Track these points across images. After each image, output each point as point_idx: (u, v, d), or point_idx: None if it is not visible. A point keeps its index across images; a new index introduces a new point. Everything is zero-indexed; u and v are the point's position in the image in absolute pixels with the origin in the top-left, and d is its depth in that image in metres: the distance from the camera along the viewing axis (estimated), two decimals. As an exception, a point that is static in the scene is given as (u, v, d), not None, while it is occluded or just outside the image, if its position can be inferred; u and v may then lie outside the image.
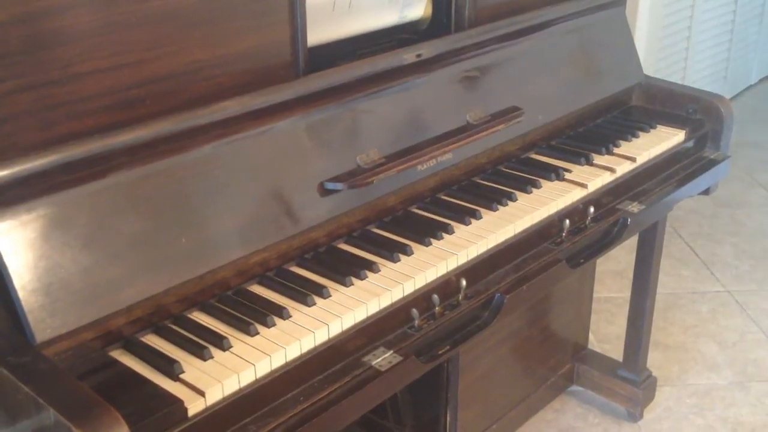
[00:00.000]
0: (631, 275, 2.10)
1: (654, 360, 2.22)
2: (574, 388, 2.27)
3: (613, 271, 2.78)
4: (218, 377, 1.04)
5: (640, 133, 1.75)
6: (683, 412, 2.22)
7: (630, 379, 2.14)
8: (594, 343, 2.38)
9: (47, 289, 1.01)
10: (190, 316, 1.16)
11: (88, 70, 1.07)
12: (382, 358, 1.18)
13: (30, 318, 0.99)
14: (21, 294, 0.99)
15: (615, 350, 2.31)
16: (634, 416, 2.18)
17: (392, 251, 1.30)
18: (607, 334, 2.47)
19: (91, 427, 0.88)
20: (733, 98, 4.26)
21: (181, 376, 1.04)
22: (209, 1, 1.17)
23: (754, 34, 4.33)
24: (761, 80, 4.61)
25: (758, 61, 4.49)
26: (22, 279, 0.99)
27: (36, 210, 1.01)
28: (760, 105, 4.30)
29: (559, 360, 2.20)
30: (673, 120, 1.81)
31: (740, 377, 2.36)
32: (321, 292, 1.20)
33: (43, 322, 1.00)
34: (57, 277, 1.02)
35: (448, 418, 1.88)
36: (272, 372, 1.08)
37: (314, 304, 1.19)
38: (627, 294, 2.17)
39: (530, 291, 1.37)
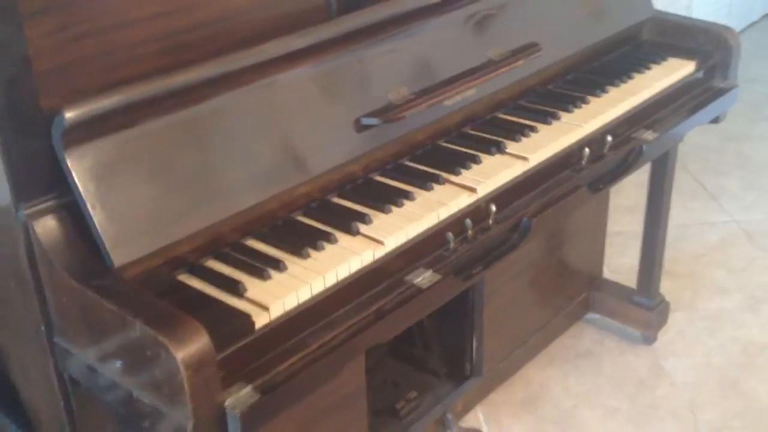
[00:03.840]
0: (640, 210, 2.19)
1: (665, 287, 2.32)
2: (591, 315, 2.38)
3: (624, 206, 2.87)
4: (279, 295, 1.14)
5: (653, 65, 1.83)
6: (695, 334, 2.34)
7: (644, 304, 2.25)
8: (607, 274, 2.48)
9: (120, 218, 1.11)
10: (246, 243, 1.25)
11: (143, 16, 1.15)
12: (422, 277, 1.28)
13: (108, 245, 1.09)
14: (98, 223, 1.09)
15: (627, 280, 2.40)
16: (649, 339, 2.29)
17: (425, 181, 1.40)
18: (619, 266, 2.56)
19: (176, 335, 0.98)
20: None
21: (246, 294, 1.14)
22: (249, -52, 1.25)
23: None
24: (763, 17, 4.65)
25: (760, -3, 4.53)
26: (98, 210, 1.09)
27: (105, 147, 1.10)
28: (763, 41, 4.35)
29: (576, 289, 2.31)
30: (683, 52, 1.88)
31: (749, 300, 2.46)
32: (363, 219, 1.30)
33: (119, 248, 1.10)
34: (128, 208, 1.12)
35: (474, 344, 1.99)
36: (326, 290, 1.18)
37: (358, 230, 1.28)
38: (637, 228, 2.26)
39: (554, 214, 1.47)
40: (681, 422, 2.04)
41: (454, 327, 1.98)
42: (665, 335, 2.32)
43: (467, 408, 2.05)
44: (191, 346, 0.99)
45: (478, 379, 2.02)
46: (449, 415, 1.94)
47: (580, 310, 2.35)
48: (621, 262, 2.57)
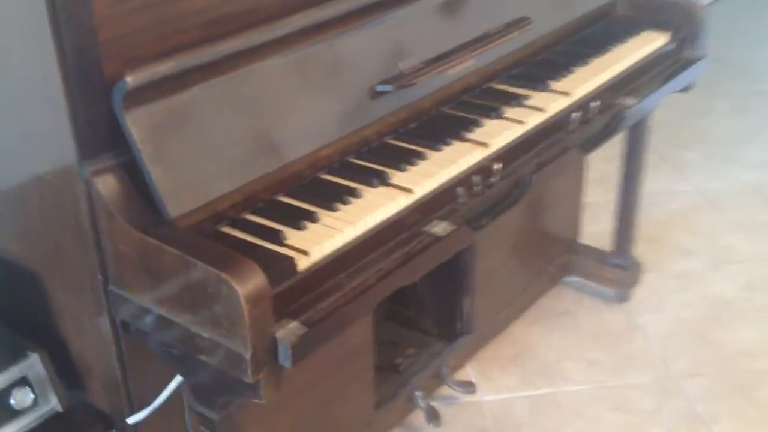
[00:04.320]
0: (609, 181, 2.36)
1: (636, 251, 2.49)
2: (569, 278, 2.55)
3: (594, 178, 3.00)
4: (317, 241, 1.26)
5: (629, 38, 1.98)
6: (665, 292, 2.51)
7: (618, 264, 2.42)
8: (582, 240, 2.64)
9: (173, 174, 1.22)
10: (280, 199, 1.37)
11: (190, -10, 1.26)
12: (439, 227, 1.41)
13: (164, 197, 1.20)
14: (155, 178, 1.19)
15: (600, 245, 2.56)
16: (623, 297, 2.46)
17: (435, 142, 1.53)
18: (591, 233, 2.71)
19: (237, 273, 1.10)
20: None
21: (286, 241, 1.26)
22: (276, -72, 1.36)
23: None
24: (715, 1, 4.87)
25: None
26: (155, 167, 1.20)
27: (159, 110, 1.21)
28: (717, 22, 4.56)
29: (555, 253, 2.47)
30: (656, 25, 2.04)
31: (714, 260, 2.65)
32: (383, 176, 1.43)
33: (174, 201, 1.21)
34: (179, 165, 1.23)
35: (464, 304, 2.13)
36: (357, 238, 1.31)
37: (378, 186, 1.41)
38: (607, 197, 2.43)
39: (551, 172, 1.62)
40: (656, 370, 2.21)
41: (446, 289, 2.12)
42: (638, 295, 2.49)
43: (459, 364, 2.19)
44: (250, 282, 1.11)
45: (469, 336, 2.16)
46: (444, 369, 2.08)
47: (559, 273, 2.51)
48: (593, 229, 2.73)
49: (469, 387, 2.09)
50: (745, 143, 3.33)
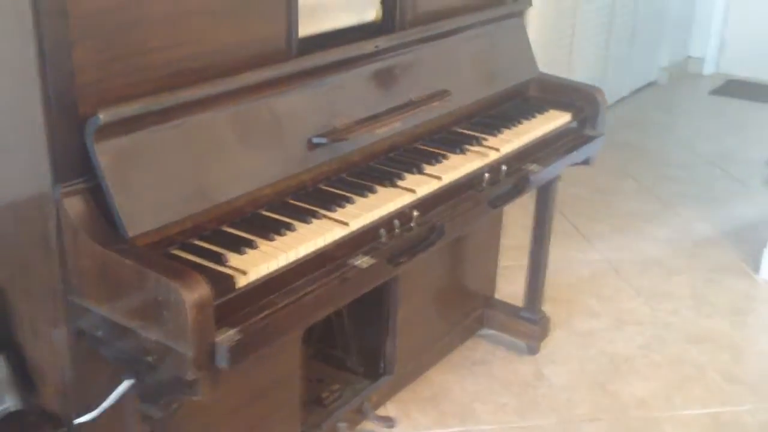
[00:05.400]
0: (525, 248, 2.61)
1: (546, 310, 2.73)
2: (485, 331, 2.77)
3: (511, 245, 3.26)
4: (254, 264, 1.46)
5: (537, 114, 2.26)
6: (571, 347, 2.75)
7: (529, 318, 2.66)
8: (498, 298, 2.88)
9: (133, 199, 1.41)
10: (223, 229, 1.57)
11: (157, 47, 1.48)
12: (362, 260, 1.63)
13: (124, 218, 1.39)
14: (117, 202, 1.39)
15: (515, 303, 2.80)
16: (533, 349, 2.69)
17: (363, 190, 1.75)
18: (508, 293, 2.94)
19: (184, 282, 1.29)
20: (608, 108, 4.90)
21: (228, 263, 1.46)
22: (233, 1, 1.60)
23: (626, 53, 5.00)
24: (632, 92, 5.29)
25: (630, 76, 5.17)
26: (117, 192, 1.39)
27: (125, 143, 1.42)
28: (631, 113, 4.97)
29: (472, 305, 2.70)
30: (561, 106, 2.33)
31: (616, 322, 2.91)
32: (315, 215, 1.64)
33: (132, 222, 1.40)
34: (139, 192, 1.42)
35: (388, 346, 2.34)
36: (289, 264, 1.51)
37: (312, 222, 1.62)
38: (523, 262, 2.67)
39: (462, 221, 1.86)
40: (558, 414, 2.43)
41: (370, 331, 2.33)
42: (546, 348, 2.73)
43: (381, 401, 2.38)
44: (195, 292, 1.30)
45: (391, 377, 2.36)
46: (366, 405, 2.27)
47: (475, 325, 2.73)
48: (510, 290, 2.96)
49: (388, 422, 2.28)
50: (650, 220, 3.65)
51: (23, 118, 1.39)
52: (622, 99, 5.14)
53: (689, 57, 5.91)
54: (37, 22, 1.29)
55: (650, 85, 5.50)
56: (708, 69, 5.87)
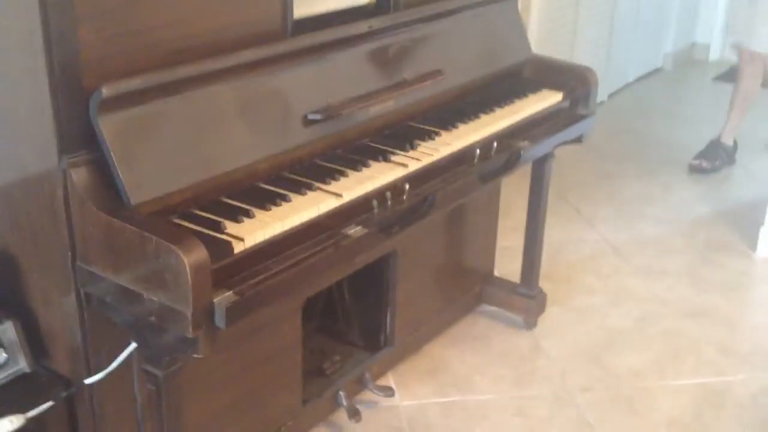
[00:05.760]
0: (523, 229, 2.69)
1: (546, 289, 2.79)
2: (484, 308, 2.85)
3: (511, 226, 3.33)
4: (251, 231, 1.55)
5: (530, 94, 2.33)
6: (568, 322, 2.83)
7: (526, 294, 2.73)
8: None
9: (136, 169, 1.50)
10: (222, 199, 1.66)
11: (156, 25, 1.56)
12: (354, 230, 1.71)
13: (127, 187, 1.48)
14: (120, 172, 1.48)
15: (514, 281, 2.88)
16: (530, 324, 2.76)
17: (356, 164, 1.83)
18: (506, 272, 3.01)
19: (183, 245, 1.38)
20: (612, 94, 4.96)
21: (226, 230, 1.54)
22: (231, -17, 1.69)
23: (630, 39, 5.04)
24: (636, 79, 5.34)
25: (634, 63, 5.22)
26: (121, 162, 1.48)
27: (127, 116, 1.50)
28: (633, 101, 5.01)
29: (472, 282, 2.77)
30: (554, 86, 2.40)
31: (613, 298, 2.98)
32: (311, 186, 1.73)
33: (135, 191, 1.49)
34: (141, 162, 1.51)
35: (388, 318, 2.42)
36: (284, 232, 1.60)
37: (306, 194, 1.71)
38: (521, 243, 2.74)
39: (453, 195, 1.94)
40: (553, 385, 2.51)
41: (371, 304, 2.41)
42: (543, 323, 2.80)
43: (381, 372, 2.46)
44: (194, 255, 1.38)
45: (391, 349, 2.44)
46: (367, 375, 2.35)
47: (474, 302, 2.81)
48: (508, 270, 3.03)
49: (388, 391, 2.36)
50: (652, 203, 3.71)
51: (31, 94, 1.48)
52: (627, 85, 5.19)
53: (694, 43, 5.94)
54: (43, 1, 1.38)
55: (655, 71, 5.54)
56: (713, 55, 5.91)
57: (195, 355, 1.47)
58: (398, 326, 2.44)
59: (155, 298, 1.44)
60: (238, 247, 1.52)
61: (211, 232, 1.53)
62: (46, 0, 1.38)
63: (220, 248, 1.49)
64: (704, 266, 3.20)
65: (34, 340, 1.67)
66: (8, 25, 1.47)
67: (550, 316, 2.83)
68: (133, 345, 1.59)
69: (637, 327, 2.81)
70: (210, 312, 1.43)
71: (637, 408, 2.42)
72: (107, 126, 1.48)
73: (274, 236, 1.58)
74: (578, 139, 2.42)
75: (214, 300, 1.44)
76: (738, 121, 4.00)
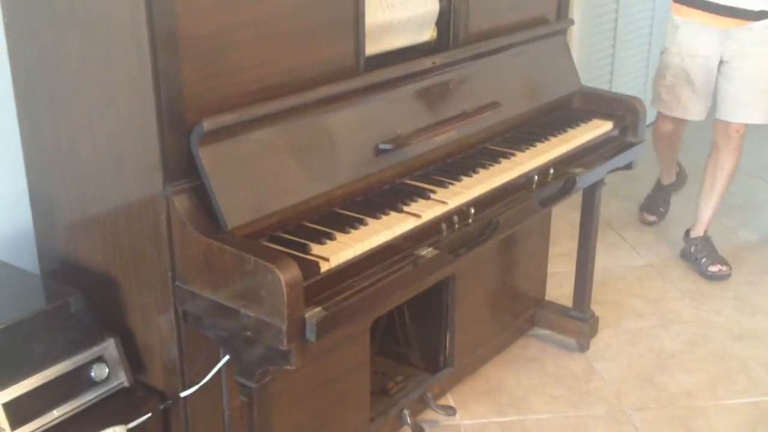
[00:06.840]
0: (572, 256, 2.79)
1: (596, 312, 2.90)
2: (536, 331, 2.94)
3: (560, 253, 3.44)
4: (335, 252, 1.67)
5: (581, 124, 2.45)
6: (619, 345, 2.91)
7: (579, 317, 2.82)
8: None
9: (232, 197, 1.63)
10: (304, 224, 1.79)
11: (246, 65, 1.71)
12: (426, 251, 1.83)
13: (224, 213, 1.61)
14: (219, 198, 1.61)
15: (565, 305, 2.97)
16: (583, 347, 2.85)
17: (424, 192, 1.96)
18: (557, 297, 3.12)
19: (279, 264, 1.50)
20: (650, 124, 5.05)
21: (311, 252, 1.67)
22: (309, 26, 1.83)
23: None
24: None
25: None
26: (219, 190, 1.62)
27: (224, 148, 1.64)
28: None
29: (525, 306, 2.87)
30: (603, 115, 2.52)
31: (662, 321, 3.06)
32: (384, 211, 1.85)
33: (231, 216, 1.62)
34: (236, 190, 1.65)
35: (447, 340, 2.52)
36: (364, 252, 1.72)
37: (381, 217, 1.83)
38: (571, 269, 2.84)
39: (514, 218, 2.05)
40: (609, 405, 2.59)
41: (431, 326, 2.52)
42: (595, 346, 2.89)
43: (441, 393, 2.56)
44: (289, 272, 1.51)
45: (450, 369, 2.54)
46: (429, 395, 2.45)
47: (527, 325, 2.91)
48: (559, 294, 3.13)
49: (449, 411, 2.46)
50: (695, 228, 3.79)
51: (139, 128, 1.62)
52: (664, 115, 5.27)
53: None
54: (152, 44, 1.53)
55: (691, 101, 5.62)
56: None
57: (287, 367, 1.59)
58: (457, 348, 2.55)
59: (251, 314, 1.57)
60: (324, 267, 1.64)
61: (298, 253, 1.66)
62: (156, 43, 1.53)
63: (307, 268, 1.61)
64: (750, 290, 3.27)
65: (133, 356, 1.80)
66: (119, 66, 1.62)
67: (602, 339, 2.92)
68: (226, 358, 1.71)
69: (687, 349, 2.89)
70: (302, 326, 1.55)
71: (692, 426, 2.49)
72: (207, 157, 1.62)
73: (356, 256, 1.71)
74: (628, 166, 2.53)
75: (306, 315, 1.56)
76: None
